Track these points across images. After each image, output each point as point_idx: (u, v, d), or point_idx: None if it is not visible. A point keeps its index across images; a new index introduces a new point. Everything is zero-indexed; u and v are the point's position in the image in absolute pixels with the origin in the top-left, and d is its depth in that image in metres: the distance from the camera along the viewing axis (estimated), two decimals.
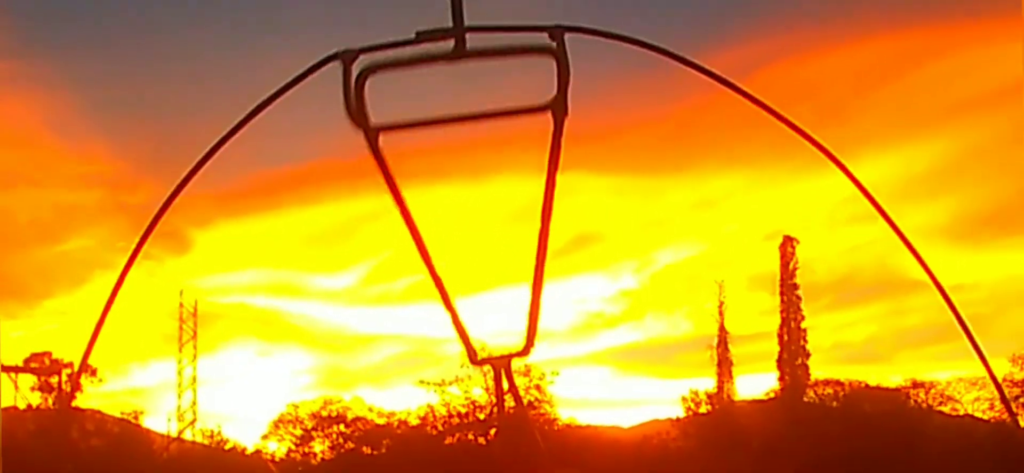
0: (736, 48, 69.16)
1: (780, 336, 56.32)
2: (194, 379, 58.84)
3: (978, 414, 50.42)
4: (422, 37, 5.14)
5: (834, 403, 52.86)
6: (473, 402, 48.52)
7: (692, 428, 52.30)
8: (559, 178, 6.06)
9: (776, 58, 67.28)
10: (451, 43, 5.13)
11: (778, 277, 57.69)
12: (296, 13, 69.22)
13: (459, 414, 47.89)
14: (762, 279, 61.05)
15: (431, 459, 44.87)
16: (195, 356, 59.12)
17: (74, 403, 56.33)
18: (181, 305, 57.82)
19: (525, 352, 5.73)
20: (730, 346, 56.41)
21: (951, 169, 66.59)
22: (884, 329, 65.83)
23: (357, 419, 52.55)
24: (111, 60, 76.93)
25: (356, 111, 5.05)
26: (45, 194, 73.53)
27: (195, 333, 58.76)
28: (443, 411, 49.13)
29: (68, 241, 77.62)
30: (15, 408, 55.73)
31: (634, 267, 64.91)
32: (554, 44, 5.07)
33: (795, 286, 57.89)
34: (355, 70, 5.08)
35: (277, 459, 55.78)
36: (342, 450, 52.62)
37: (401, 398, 71.11)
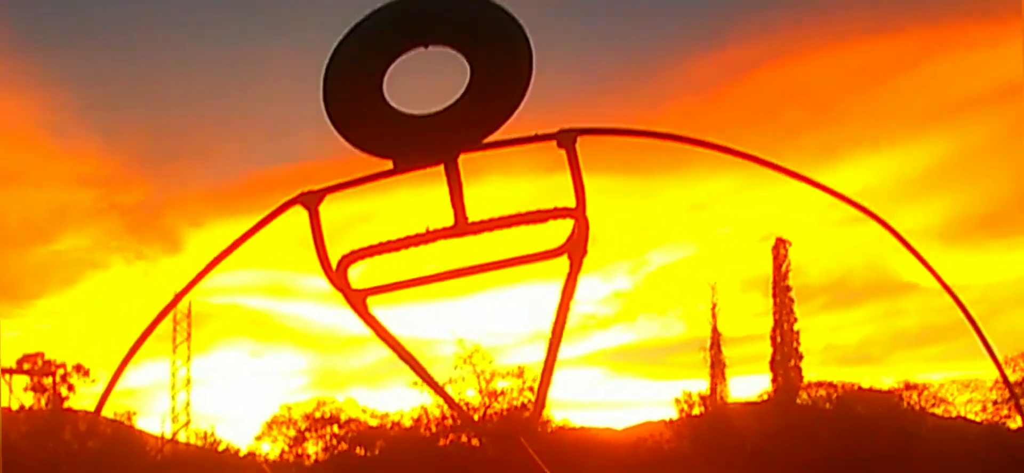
0: (730, 49, 69.32)
1: (773, 338, 56.16)
2: (188, 381, 58.74)
3: (971, 416, 50.52)
4: (423, 238, 5.54)
5: (827, 405, 52.79)
6: (466, 404, 47.86)
7: (685, 430, 52.25)
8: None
9: (769, 59, 67.36)
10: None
11: (771, 279, 57.78)
12: (290, 10, 69.34)
13: (453, 416, 47.57)
14: (755, 281, 61.08)
15: (425, 461, 44.85)
16: (189, 358, 58.95)
17: (68, 406, 56.72)
18: (174, 312, 56.46)
19: (534, 422, 5.84)
20: (723, 348, 56.36)
21: (945, 170, 66.73)
22: (877, 331, 65.88)
23: (350, 420, 52.49)
24: (104, 58, 76.41)
25: (336, 275, 5.53)
26: (38, 193, 73.25)
27: (189, 335, 58.63)
28: (436, 413, 48.88)
29: (61, 240, 77.42)
30: (8, 409, 55.21)
31: (627, 268, 64.95)
32: (564, 151, 5.53)
33: (788, 288, 57.95)
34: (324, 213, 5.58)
35: (270, 460, 55.64)
36: (335, 451, 52.49)
37: (395, 400, 71.25)
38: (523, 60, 5.81)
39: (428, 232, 5.55)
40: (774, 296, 57.32)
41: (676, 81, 71.87)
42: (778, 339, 56.02)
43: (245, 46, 75.08)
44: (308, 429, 54.23)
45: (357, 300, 5.54)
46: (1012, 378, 50.13)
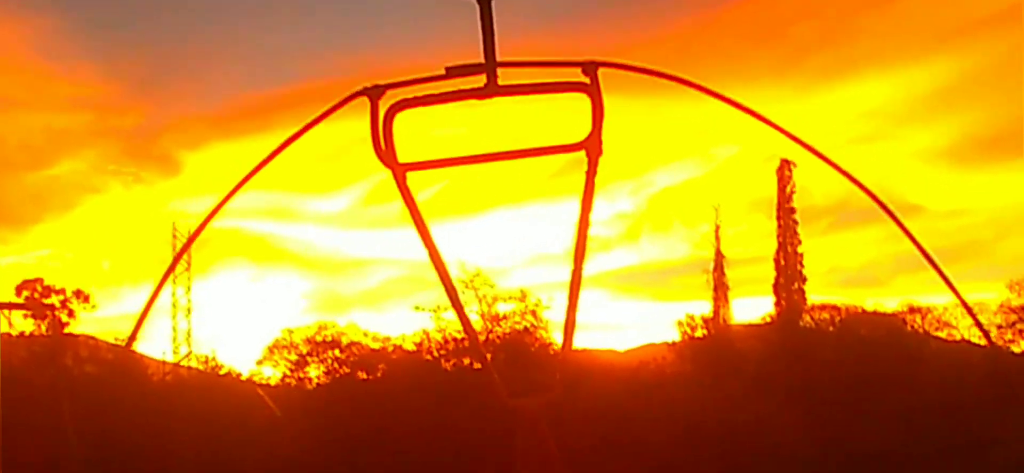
0: None
1: (776, 261, 56.11)
2: (189, 310, 58.83)
3: (974, 340, 50.48)
4: (452, 72, 5.52)
5: (830, 328, 52.87)
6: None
7: (688, 352, 52.20)
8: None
9: None
10: (482, 77, 5.50)
11: (775, 201, 57.63)
12: None
13: (455, 339, 47.31)
14: (759, 203, 61.03)
15: (427, 384, 44.71)
16: (189, 288, 58.99)
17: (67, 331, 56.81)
18: (174, 236, 57.27)
19: (556, 396, 5.77)
20: (726, 270, 56.48)
21: (955, 91, 66.30)
22: (881, 254, 65.73)
23: (352, 344, 52.26)
24: None
25: (384, 150, 5.48)
26: (34, 118, 73.61)
27: (189, 263, 58.38)
28: (438, 337, 48.80)
29: (58, 165, 77.64)
30: (8, 335, 54.33)
31: (630, 189, 64.71)
32: (588, 80, 5.59)
33: (792, 210, 57.90)
34: (383, 107, 5.47)
35: (272, 384, 55.81)
36: (337, 375, 52.37)
37: (396, 323, 71.16)
38: None
39: (459, 92, 5.60)
40: (778, 218, 57.24)
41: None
42: (782, 262, 55.97)
43: None
44: (309, 353, 54.13)
45: (400, 174, 5.64)
46: (1018, 302, 50.20)
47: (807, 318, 54.18)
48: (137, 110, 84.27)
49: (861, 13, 69.62)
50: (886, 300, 56.17)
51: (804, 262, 56.11)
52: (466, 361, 47.20)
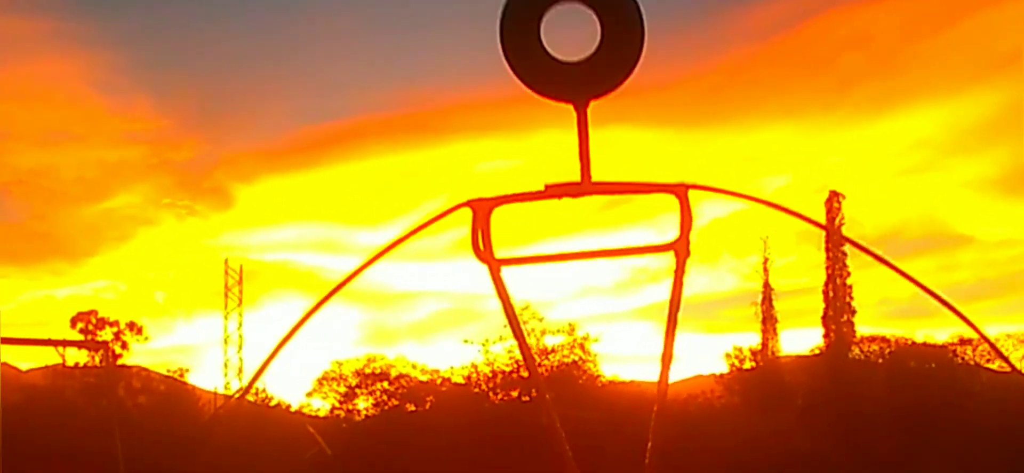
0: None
1: (825, 292, 55.14)
2: (240, 346, 59.02)
3: None
4: (550, 191, 6.10)
5: (880, 360, 52.22)
6: (517, 361, 48.58)
7: (736, 385, 52.18)
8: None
9: (826, 7, 66.73)
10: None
11: (824, 233, 57.65)
12: None
13: (503, 372, 47.65)
14: (808, 234, 61.06)
15: (476, 417, 44.90)
16: (241, 323, 59.21)
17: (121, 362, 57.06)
18: (226, 272, 58.18)
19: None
20: (775, 302, 55.79)
21: (1004, 120, 65.83)
22: (932, 284, 65.21)
23: (401, 376, 52.47)
24: (154, 17, 78.16)
25: (483, 250, 6.00)
26: (90, 152, 75.13)
27: (241, 299, 58.91)
28: (487, 370, 49.01)
29: (113, 198, 78.88)
30: (63, 365, 54.92)
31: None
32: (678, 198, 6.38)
33: (841, 241, 57.74)
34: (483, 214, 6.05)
35: (321, 416, 55.81)
36: (386, 407, 52.46)
37: (445, 355, 71.38)
38: (640, 24, 6.66)
39: (554, 187, 6.25)
40: (827, 250, 57.22)
41: (731, 30, 71.62)
42: (830, 294, 54.91)
43: (293, 5, 75.73)
44: (358, 385, 54.20)
45: (495, 270, 6.19)
46: None
47: (856, 350, 53.57)
48: (191, 144, 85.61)
49: (910, 43, 69.60)
50: (937, 332, 55.77)
51: (853, 294, 54.76)
52: (514, 394, 47.54)
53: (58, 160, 78.01)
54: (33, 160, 78.59)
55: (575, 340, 48.85)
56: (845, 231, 57.70)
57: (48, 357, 54.85)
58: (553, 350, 49.09)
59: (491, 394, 48.70)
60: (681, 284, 6.46)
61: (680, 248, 6.48)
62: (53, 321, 72.42)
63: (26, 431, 45.64)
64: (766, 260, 56.94)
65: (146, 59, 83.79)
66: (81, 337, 54.64)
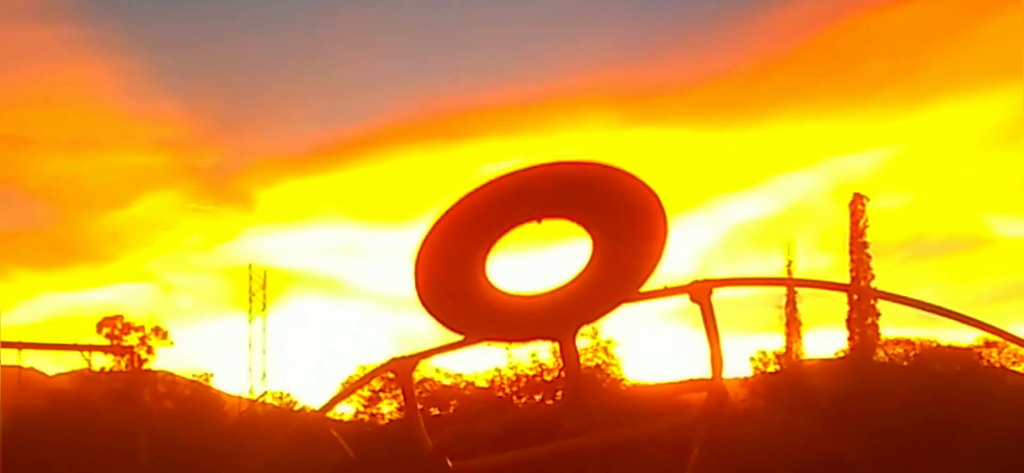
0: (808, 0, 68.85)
1: (849, 295, 55.86)
2: (264, 351, 60.36)
3: None
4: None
5: (904, 362, 52.16)
6: (541, 365, 48.75)
7: (761, 388, 51.40)
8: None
9: (848, 9, 66.64)
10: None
11: (848, 235, 57.95)
12: None
13: (527, 376, 47.89)
14: (832, 237, 61.22)
15: (499, 420, 44.91)
16: (264, 328, 60.53)
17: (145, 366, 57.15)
18: (250, 278, 59.63)
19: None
20: (799, 305, 57.16)
21: None
22: (957, 287, 65.22)
23: (424, 380, 51.75)
24: (180, 23, 78.83)
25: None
26: (115, 157, 75.60)
27: (265, 303, 60.25)
28: (510, 373, 49.23)
29: (138, 203, 79.57)
30: (88, 370, 56.56)
31: (702, 222, 64.77)
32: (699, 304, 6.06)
33: (865, 244, 58.13)
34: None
35: (346, 420, 54.99)
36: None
37: (469, 360, 71.38)
38: (658, 240, 5.51)
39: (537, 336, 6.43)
40: (851, 252, 57.42)
41: (750, 33, 71.70)
42: (855, 296, 55.72)
43: (315, 9, 76.14)
44: (382, 389, 53.75)
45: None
46: None
47: (881, 353, 53.87)
48: (215, 149, 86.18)
49: (932, 43, 69.54)
50: (963, 334, 55.82)
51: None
52: (537, 397, 47.59)
53: (84, 166, 78.21)
54: (59, 166, 78.59)
55: (598, 344, 48.81)
56: (868, 234, 58.12)
57: (74, 362, 57.65)
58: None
59: (515, 398, 48.81)
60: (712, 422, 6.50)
61: (705, 423, 6.71)
62: (79, 326, 70.45)
63: (52, 435, 47.78)
64: (790, 263, 57.87)
65: (171, 65, 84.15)
66: (107, 342, 55.75)
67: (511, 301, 5.85)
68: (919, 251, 67.48)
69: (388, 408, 54.07)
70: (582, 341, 48.22)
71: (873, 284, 57.35)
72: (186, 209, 79.62)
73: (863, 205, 58.01)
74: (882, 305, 55.72)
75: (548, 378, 46.63)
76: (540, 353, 49.30)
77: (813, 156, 69.95)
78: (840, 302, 56.08)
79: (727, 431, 44.89)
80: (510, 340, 5.02)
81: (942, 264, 68.98)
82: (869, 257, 57.90)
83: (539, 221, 5.55)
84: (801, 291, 57.76)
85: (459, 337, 6.22)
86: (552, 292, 5.82)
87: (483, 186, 5.66)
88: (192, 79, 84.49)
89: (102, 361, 56.66)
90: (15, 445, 45.25)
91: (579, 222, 5.74)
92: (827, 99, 69.77)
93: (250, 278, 59.56)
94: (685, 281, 5.76)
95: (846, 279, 56.57)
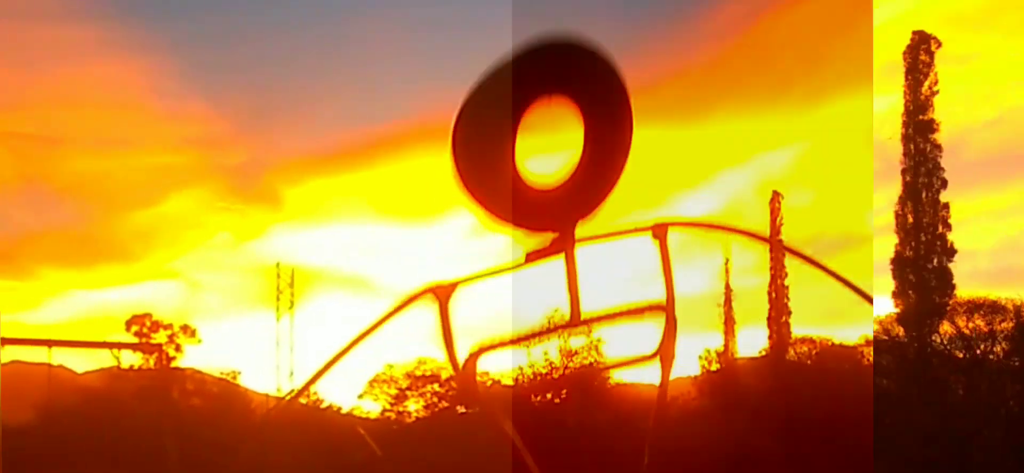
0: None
1: (769, 294, 57.04)
2: (292, 349, 58.73)
3: None
4: (549, 330, 6.56)
5: (808, 361, 55.02)
6: (550, 363, 49.59)
7: (706, 386, 53.58)
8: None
9: (767, 7, 70.97)
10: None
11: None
12: None
13: (540, 374, 49.05)
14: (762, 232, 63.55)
15: (521, 418, 42.67)
16: (292, 327, 58.99)
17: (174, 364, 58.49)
18: (278, 276, 58.55)
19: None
20: (733, 303, 57.77)
21: None
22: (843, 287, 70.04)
23: (451, 378, 51.33)
24: (206, 23, 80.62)
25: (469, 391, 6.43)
26: (143, 156, 76.95)
27: (292, 301, 58.95)
28: (529, 372, 49.94)
29: (166, 202, 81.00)
30: (117, 367, 57.11)
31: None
32: (661, 315, 6.58)
33: (780, 242, 57.68)
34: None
35: (372, 418, 57.60)
36: (436, 409, 54.61)
37: (494, 359, 76.21)
38: (628, 119, 6.39)
39: (550, 327, 6.64)
40: (770, 250, 53.80)
41: (705, 28, 75.02)
42: (773, 295, 56.73)
43: (340, 10, 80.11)
44: (409, 387, 56.11)
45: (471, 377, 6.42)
46: None
47: (791, 351, 55.67)
48: (242, 148, 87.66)
49: (829, 41, 72.72)
50: (849, 332, 57.36)
51: (790, 295, 56.53)
52: (548, 395, 49.65)
53: (112, 165, 77.89)
54: (88, 165, 78.42)
55: (591, 342, 49.16)
56: (784, 232, 58.00)
57: (103, 359, 58.41)
58: (576, 352, 50.17)
59: (532, 396, 49.67)
60: (665, 395, 6.45)
61: (665, 356, 6.39)
62: (108, 324, 73.13)
63: (82, 432, 50.05)
64: (727, 260, 58.20)
65: (198, 64, 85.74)
66: (136, 340, 56.83)
67: (528, 189, 6.21)
68: (821, 249, 68.42)
69: (415, 405, 56.28)
70: (581, 340, 49.00)
71: (786, 282, 57.60)
72: (214, 208, 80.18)
73: (779, 203, 58.07)
74: (793, 303, 56.60)
75: (555, 377, 49.32)
76: (549, 352, 49.92)
77: (745, 153, 71.70)
78: (763, 301, 57.31)
79: (678, 431, 45.40)
80: (523, 226, 6.89)
81: (837, 260, 74.24)
82: (783, 255, 53.50)
83: (550, 97, 5.99)
84: (735, 289, 57.90)
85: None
86: (557, 187, 6.30)
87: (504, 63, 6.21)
88: (220, 78, 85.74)
89: (131, 359, 57.41)
90: (44, 442, 49.33)
91: (575, 100, 6.19)
92: (754, 97, 70.99)
93: (277, 276, 58.44)
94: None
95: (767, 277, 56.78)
